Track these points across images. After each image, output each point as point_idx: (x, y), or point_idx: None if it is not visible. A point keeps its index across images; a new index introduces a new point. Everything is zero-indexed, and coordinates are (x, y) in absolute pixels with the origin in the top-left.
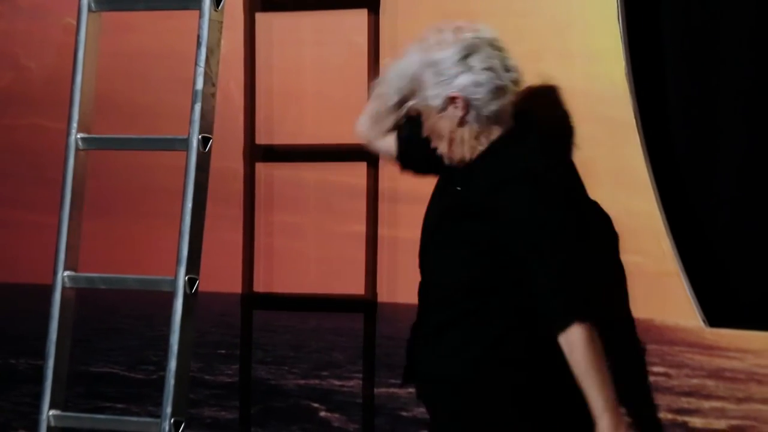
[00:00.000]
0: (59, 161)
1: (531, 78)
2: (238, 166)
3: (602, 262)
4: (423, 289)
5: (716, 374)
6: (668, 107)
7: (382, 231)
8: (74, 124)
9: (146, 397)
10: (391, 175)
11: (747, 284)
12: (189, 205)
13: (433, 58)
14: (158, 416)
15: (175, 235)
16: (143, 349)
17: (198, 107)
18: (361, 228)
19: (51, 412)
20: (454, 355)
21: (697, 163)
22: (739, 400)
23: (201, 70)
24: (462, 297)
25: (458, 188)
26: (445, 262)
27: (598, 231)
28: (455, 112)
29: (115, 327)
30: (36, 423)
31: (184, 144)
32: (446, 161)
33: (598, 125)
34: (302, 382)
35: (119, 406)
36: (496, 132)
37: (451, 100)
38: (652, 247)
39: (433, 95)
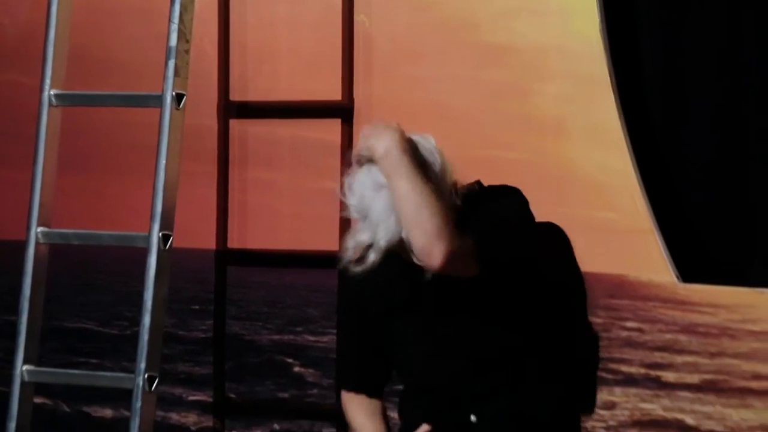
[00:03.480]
0: (34, 117)
1: (505, 36)
2: (213, 122)
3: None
4: None
5: (689, 329)
6: (642, 64)
7: None
8: (47, 80)
9: (120, 353)
10: None
11: (720, 241)
12: (163, 161)
13: None
14: (132, 371)
15: (149, 191)
16: (117, 304)
17: (172, 64)
18: (335, 184)
19: (25, 368)
20: None
21: (671, 121)
22: (712, 355)
23: (175, 26)
24: None
25: None
26: None
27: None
28: None
29: (89, 283)
30: (9, 378)
31: (158, 101)
32: None
33: (572, 82)
34: (276, 337)
35: (93, 361)
36: None
37: None
38: (626, 204)
39: None
